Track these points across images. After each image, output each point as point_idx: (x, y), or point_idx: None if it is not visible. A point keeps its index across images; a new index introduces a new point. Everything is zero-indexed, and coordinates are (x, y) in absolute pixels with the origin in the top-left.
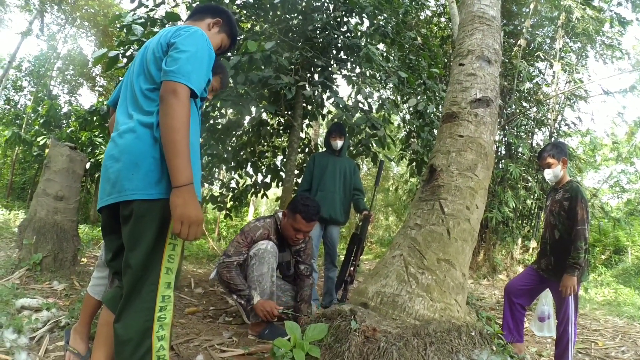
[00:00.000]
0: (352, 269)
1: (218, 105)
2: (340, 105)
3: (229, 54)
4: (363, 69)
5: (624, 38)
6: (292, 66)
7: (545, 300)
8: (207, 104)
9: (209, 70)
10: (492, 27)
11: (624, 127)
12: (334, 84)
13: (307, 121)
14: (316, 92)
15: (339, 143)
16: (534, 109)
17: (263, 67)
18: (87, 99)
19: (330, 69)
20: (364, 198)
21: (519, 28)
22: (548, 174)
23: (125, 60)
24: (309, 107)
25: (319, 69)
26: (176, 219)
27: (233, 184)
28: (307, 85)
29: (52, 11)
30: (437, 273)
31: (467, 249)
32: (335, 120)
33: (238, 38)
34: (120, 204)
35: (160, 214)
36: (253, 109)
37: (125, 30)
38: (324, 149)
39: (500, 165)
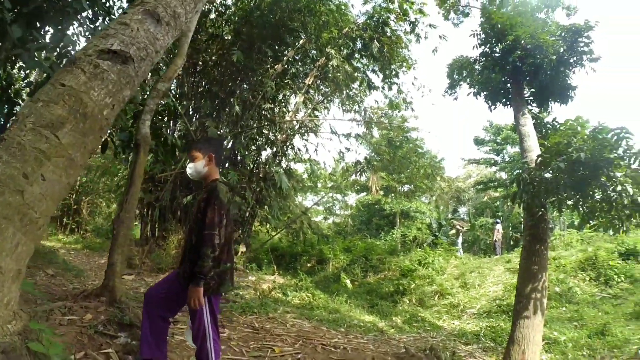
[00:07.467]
0: None
1: None
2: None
3: None
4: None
5: (368, 98)
6: None
7: None
8: None
9: None
10: None
11: (343, 164)
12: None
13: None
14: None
15: None
16: (268, 127)
17: None
18: None
19: None
20: None
21: (283, 55)
22: (190, 169)
23: None
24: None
25: None
26: None
27: None
28: None
29: None
30: None
31: (10, 232)
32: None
33: None
34: None
35: None
36: None
37: None
38: None
39: (222, 170)
